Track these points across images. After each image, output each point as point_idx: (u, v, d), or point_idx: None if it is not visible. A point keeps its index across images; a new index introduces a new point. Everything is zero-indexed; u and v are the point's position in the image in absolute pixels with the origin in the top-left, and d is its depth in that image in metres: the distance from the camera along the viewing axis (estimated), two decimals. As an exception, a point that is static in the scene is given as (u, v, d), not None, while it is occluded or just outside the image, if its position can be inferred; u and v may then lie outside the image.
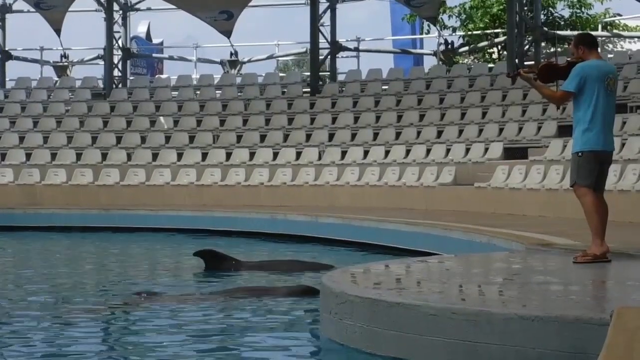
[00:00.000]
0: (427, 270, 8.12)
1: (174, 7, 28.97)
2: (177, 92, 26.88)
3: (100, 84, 28.20)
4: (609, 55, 25.56)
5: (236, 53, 29.84)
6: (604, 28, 31.10)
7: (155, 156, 23.14)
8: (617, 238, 9.31)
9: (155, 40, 39.28)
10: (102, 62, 28.83)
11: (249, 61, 30.84)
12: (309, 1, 27.58)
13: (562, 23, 32.20)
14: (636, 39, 30.52)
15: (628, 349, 3.97)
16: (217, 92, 26.86)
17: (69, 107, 26.20)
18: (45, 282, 11.62)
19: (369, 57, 39.20)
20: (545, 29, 27.33)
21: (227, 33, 28.58)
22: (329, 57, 28.37)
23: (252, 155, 22.80)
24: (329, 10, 27.76)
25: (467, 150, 20.58)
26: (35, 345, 7.27)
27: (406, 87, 25.11)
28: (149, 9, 31.18)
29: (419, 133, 22.26)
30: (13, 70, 32.27)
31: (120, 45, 29.06)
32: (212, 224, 18.55)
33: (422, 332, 5.57)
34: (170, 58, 34.56)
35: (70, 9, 28.01)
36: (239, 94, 26.41)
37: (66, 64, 29.98)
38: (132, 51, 31.09)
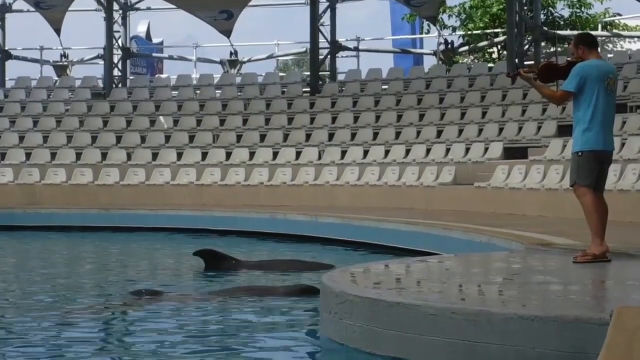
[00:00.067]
0: (426, 270, 8.12)
1: (173, 6, 28.97)
2: (176, 92, 26.88)
3: (100, 84, 28.21)
4: (609, 55, 25.56)
5: (236, 53, 29.84)
6: (604, 28, 31.10)
7: (155, 156, 23.14)
8: (617, 238, 9.31)
9: (155, 40, 39.28)
10: (102, 62, 28.83)
11: (249, 61, 30.84)
12: (308, 1, 27.58)
13: (562, 23, 32.20)
14: (636, 39, 30.52)
15: (628, 349, 3.97)
16: (217, 91, 26.86)
17: (69, 107, 26.20)
18: (45, 281, 11.62)
19: (368, 56, 39.27)
20: (545, 28, 27.33)
21: (227, 33, 28.58)
22: (328, 56, 28.37)
23: (251, 154, 22.80)
24: (328, 10, 27.76)
25: (467, 150, 20.58)
26: (35, 345, 7.26)
27: (406, 87, 25.11)
28: (148, 8, 31.18)
29: (418, 133, 22.26)
30: (13, 69, 32.28)
31: (120, 44, 29.06)
32: (211, 223, 18.55)
33: (422, 331, 5.56)
34: (170, 58, 34.54)
35: (70, 9, 28.01)
36: (239, 93, 26.42)
37: (66, 63, 29.97)
38: (132, 51, 31.10)
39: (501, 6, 30.81)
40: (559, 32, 28.26)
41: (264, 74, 27.81)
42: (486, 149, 20.29)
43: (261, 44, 33.22)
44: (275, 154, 22.60)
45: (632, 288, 6.65)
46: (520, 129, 20.89)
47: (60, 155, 23.27)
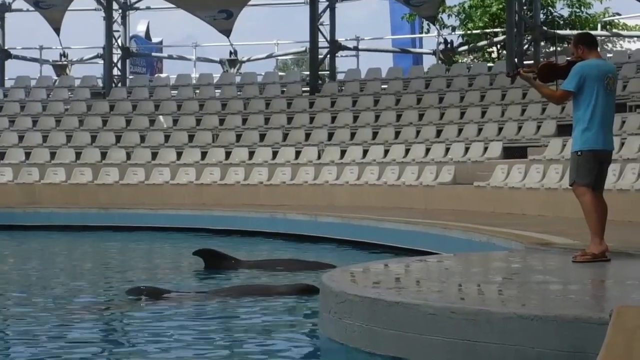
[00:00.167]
0: (426, 270, 8.12)
1: (173, 6, 28.97)
2: (176, 91, 26.88)
3: (100, 83, 28.20)
4: (609, 55, 25.55)
5: (235, 52, 29.84)
6: (603, 27, 31.10)
7: (154, 155, 23.14)
8: (617, 237, 9.31)
9: (154, 40, 39.29)
10: (102, 61, 28.83)
11: (249, 60, 30.84)
12: (308, 0, 27.58)
13: (562, 22, 32.20)
14: (635, 38, 30.52)
15: (627, 348, 3.98)
16: (216, 91, 26.86)
17: (68, 106, 26.19)
18: (44, 281, 11.62)
19: (368, 56, 39.36)
20: (545, 28, 27.33)
21: (227, 32, 28.58)
22: (328, 56, 28.36)
23: (251, 154, 22.80)
24: (328, 10, 27.76)
25: (467, 149, 20.58)
26: (34, 345, 7.27)
27: (405, 87, 25.11)
28: (148, 8, 31.18)
29: (418, 132, 22.27)
30: (12, 69, 32.24)
31: (120, 44, 29.05)
32: (211, 223, 18.55)
33: (422, 331, 5.57)
34: (170, 57, 34.54)
35: (69, 8, 28.00)
36: (239, 93, 26.42)
37: (65, 63, 29.97)
38: (132, 50, 31.10)
39: (501, 6, 30.81)
40: (558, 31, 28.26)
41: (263, 74, 27.82)
42: (486, 149, 20.29)
43: (261, 44, 33.25)
44: (274, 154, 22.60)
45: (632, 287, 6.66)
46: (519, 128, 20.90)
47: (59, 154, 23.26)
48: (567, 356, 5.03)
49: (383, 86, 25.55)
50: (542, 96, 8.79)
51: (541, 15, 29.05)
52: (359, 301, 6.02)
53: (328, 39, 27.85)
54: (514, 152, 19.85)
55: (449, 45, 28.91)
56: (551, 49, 26.91)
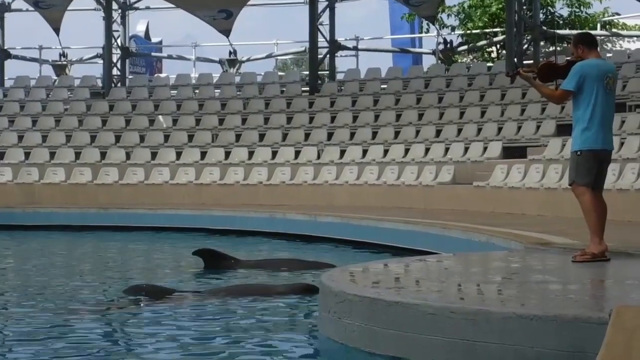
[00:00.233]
0: (425, 269, 8.12)
1: (173, 6, 28.97)
2: (176, 91, 26.88)
3: (99, 83, 28.20)
4: (608, 55, 25.56)
5: (235, 52, 29.84)
6: (603, 27, 31.10)
7: (154, 155, 23.14)
8: (616, 237, 9.31)
9: (154, 39, 39.28)
10: (101, 61, 28.83)
11: (248, 60, 30.84)
12: (308, 0, 27.57)
13: (561, 22, 32.20)
14: (635, 38, 30.53)
15: (627, 348, 3.97)
16: (216, 91, 26.86)
17: (68, 106, 26.19)
18: (44, 281, 11.61)
19: (367, 56, 39.35)
20: (544, 28, 27.33)
21: (226, 32, 28.58)
22: (327, 56, 28.37)
23: (251, 154, 22.80)
24: (327, 9, 27.76)
25: (466, 149, 20.59)
26: (34, 344, 7.26)
27: (405, 86, 25.11)
28: (147, 7, 31.18)
29: (417, 132, 22.27)
30: (12, 69, 32.23)
31: (119, 44, 29.05)
32: (211, 223, 18.55)
33: (421, 331, 5.57)
34: (169, 57, 34.55)
35: (69, 8, 28.01)
36: (238, 93, 26.41)
37: (65, 63, 29.98)
38: (131, 50, 31.09)
39: (500, 5, 30.81)
40: (558, 31, 28.25)
41: (263, 74, 27.83)
42: (485, 149, 20.29)
43: (260, 44, 33.25)
44: (274, 154, 22.60)
45: (631, 287, 6.66)
46: (519, 128, 20.90)
47: (59, 154, 23.26)
48: (567, 356, 5.03)
49: (382, 86, 25.55)
50: (541, 96, 8.79)
51: (541, 15, 29.04)
52: (359, 301, 6.02)
53: (327, 38, 27.85)
54: (514, 152, 19.85)
55: (448, 45, 28.92)
56: (551, 48, 26.91)
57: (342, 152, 22.08)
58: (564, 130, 18.58)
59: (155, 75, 34.57)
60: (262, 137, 23.59)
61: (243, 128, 24.11)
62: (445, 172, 19.45)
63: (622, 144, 16.50)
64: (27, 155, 23.33)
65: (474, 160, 19.91)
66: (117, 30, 28.93)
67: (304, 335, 7.58)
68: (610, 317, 4.81)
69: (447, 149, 20.80)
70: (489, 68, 26.01)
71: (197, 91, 26.92)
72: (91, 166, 22.61)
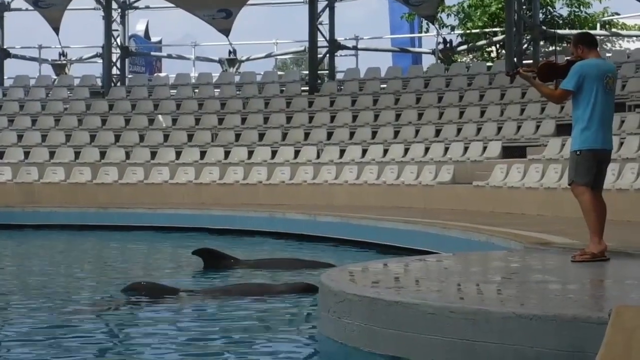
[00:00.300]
0: (425, 269, 8.13)
1: (172, 5, 28.96)
2: (175, 91, 26.88)
3: (99, 83, 28.19)
4: (608, 54, 25.55)
5: (235, 51, 29.83)
6: (602, 27, 31.11)
7: (153, 154, 23.13)
8: (616, 237, 9.31)
9: (153, 39, 39.27)
10: (101, 61, 28.82)
11: (248, 60, 30.84)
12: (307, 0, 27.57)
13: (561, 22, 32.20)
14: (634, 38, 30.53)
15: (626, 348, 3.98)
16: (215, 90, 26.86)
17: (68, 106, 26.19)
18: (43, 280, 11.61)
19: (367, 55, 39.26)
20: (544, 27, 27.33)
21: (226, 31, 28.57)
22: (327, 55, 28.36)
23: (250, 153, 22.80)
24: (327, 9, 27.75)
25: (466, 149, 20.58)
26: (33, 344, 7.26)
27: (405, 86, 25.11)
28: (147, 7, 31.17)
29: (417, 132, 22.26)
30: (11, 68, 32.29)
31: (119, 43, 29.04)
32: (210, 222, 18.55)
33: (421, 330, 5.57)
34: (169, 56, 34.53)
35: (68, 7, 28.01)
36: (238, 92, 26.41)
37: (64, 62, 29.97)
38: (131, 49, 31.09)
39: (500, 5, 30.81)
40: (557, 31, 28.25)
41: (262, 73, 27.83)
42: (485, 148, 20.29)
43: (260, 43, 33.25)
44: (273, 153, 22.60)
45: (631, 287, 6.66)
46: (518, 128, 20.90)
47: (58, 154, 23.25)
48: (566, 356, 5.03)
49: (382, 85, 25.55)
50: (541, 95, 8.79)
51: (540, 15, 29.04)
52: (358, 300, 6.02)
53: (327, 38, 27.85)
54: (513, 151, 19.85)
55: (448, 45, 28.91)
56: (550, 48, 26.90)
57: (342, 152, 22.07)
58: (563, 130, 18.58)
59: (155, 74, 34.57)
60: (261, 136, 23.58)
61: (243, 127, 24.11)
62: (444, 171, 19.45)
63: (621, 143, 16.50)
64: (26, 154, 23.32)
65: (474, 160, 19.91)
66: (117, 30, 28.92)
67: (304, 335, 7.58)
68: (609, 317, 4.81)
69: (446, 149, 20.80)
70: (489, 68, 26.01)
71: (196, 91, 26.92)
72: (91, 166, 22.61)
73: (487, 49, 32.43)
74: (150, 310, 8.87)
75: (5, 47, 29.74)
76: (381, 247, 14.40)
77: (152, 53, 36.57)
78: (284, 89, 26.33)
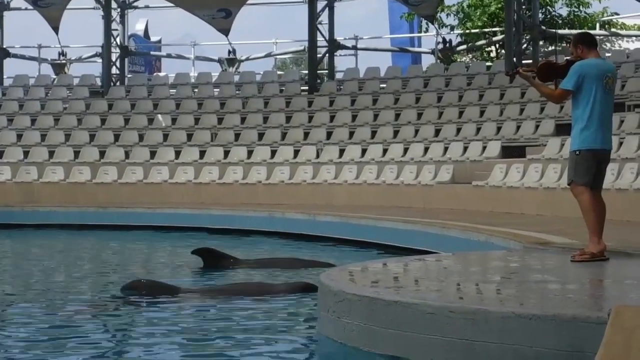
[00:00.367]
0: (424, 269, 8.13)
1: (172, 4, 28.96)
2: (175, 90, 26.87)
3: (98, 82, 28.18)
4: (607, 54, 25.55)
5: (234, 51, 29.82)
6: (602, 27, 31.11)
7: (153, 154, 23.13)
8: (615, 237, 9.31)
9: (153, 38, 39.25)
10: (100, 60, 28.81)
11: (247, 59, 30.83)
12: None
13: (560, 22, 32.19)
14: (634, 38, 30.53)
15: (626, 348, 3.98)
16: (215, 90, 26.85)
17: (67, 105, 26.18)
18: (42, 279, 11.62)
19: (367, 55, 39.35)
20: (543, 27, 27.33)
21: (225, 31, 28.56)
22: (327, 55, 28.36)
23: (250, 153, 22.79)
24: (327, 9, 27.74)
25: (465, 148, 20.59)
26: (32, 343, 7.26)
27: (404, 86, 25.11)
28: (147, 6, 31.16)
29: (416, 131, 22.27)
30: (11, 67, 32.23)
31: (118, 43, 29.04)
32: (210, 222, 18.55)
33: (420, 330, 5.57)
34: (168, 56, 34.52)
35: (68, 7, 28.00)
36: (237, 92, 26.41)
37: (64, 61, 29.95)
38: (130, 49, 31.09)
39: (499, 5, 30.80)
40: (557, 31, 28.24)
41: (262, 73, 27.83)
42: (484, 148, 20.29)
43: (259, 43, 33.29)
44: (273, 153, 22.60)
45: (630, 287, 6.66)
46: (518, 127, 20.90)
47: (58, 153, 23.25)
48: (566, 355, 5.04)
49: (382, 85, 25.55)
50: (541, 95, 8.80)
51: (540, 15, 29.04)
52: (358, 300, 6.02)
53: (327, 38, 27.84)
54: (513, 151, 19.85)
55: (447, 45, 28.91)
56: (550, 48, 26.90)
57: (341, 152, 22.07)
58: (563, 129, 18.58)
59: (155, 74, 34.54)
60: (261, 136, 23.58)
61: (242, 127, 24.11)
62: (444, 171, 19.46)
63: (621, 143, 16.50)
64: (26, 154, 23.32)
65: (473, 159, 19.91)
66: (116, 29, 28.91)
67: (303, 335, 7.58)
68: (609, 316, 4.81)
69: (446, 149, 20.81)
70: (488, 67, 26.00)
71: (196, 90, 26.91)
72: (90, 165, 22.61)
73: (486, 49, 32.43)
74: (150, 309, 8.87)
75: (4, 46, 29.73)
76: (381, 247, 14.40)
77: (152, 52, 36.56)
78: (283, 88, 26.33)
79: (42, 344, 7.24)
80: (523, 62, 23.55)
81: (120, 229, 18.78)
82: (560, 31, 28.56)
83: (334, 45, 28.21)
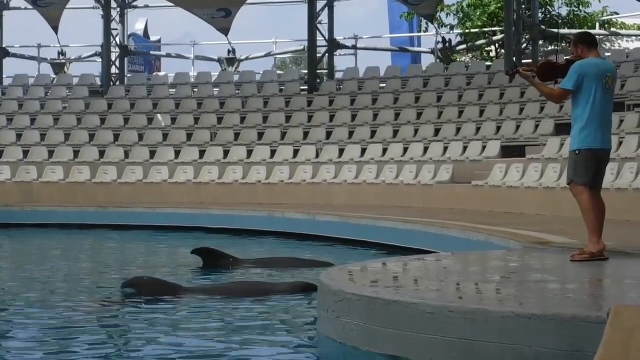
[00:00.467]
0: (424, 269, 8.13)
1: (171, 4, 28.96)
2: (174, 90, 26.87)
3: (98, 82, 28.18)
4: (607, 54, 25.55)
5: (234, 51, 29.82)
6: (602, 26, 31.11)
7: (152, 154, 23.13)
8: (615, 236, 9.31)
9: (153, 38, 39.24)
10: (100, 60, 28.81)
11: (247, 59, 30.83)
12: (306, -1, 27.56)
13: (560, 21, 32.18)
14: (634, 38, 30.54)
15: (625, 348, 3.98)
16: (214, 89, 26.85)
17: (67, 105, 26.18)
18: (42, 279, 11.61)
19: (366, 55, 39.41)
20: (543, 27, 27.33)
21: (225, 31, 28.56)
22: (326, 55, 28.35)
23: (249, 153, 22.79)
24: (326, 8, 27.74)
25: (465, 148, 20.59)
26: (32, 343, 7.26)
27: (404, 85, 25.11)
28: (146, 6, 31.16)
29: (416, 131, 22.27)
30: (10, 67, 32.17)
31: (118, 42, 29.03)
32: (209, 221, 18.55)
33: (420, 330, 5.57)
34: (168, 56, 34.52)
35: (67, 6, 28.00)
36: (237, 91, 26.40)
37: (64, 61, 29.96)
38: (130, 49, 31.09)
39: (499, 5, 30.80)
40: (557, 30, 28.24)
41: (261, 72, 27.83)
42: (484, 148, 20.29)
43: (259, 42, 33.30)
44: (273, 152, 22.60)
45: (630, 287, 6.66)
46: (518, 127, 20.90)
47: (57, 153, 23.25)
48: (565, 355, 5.04)
49: (381, 85, 25.55)
50: (541, 95, 8.80)
51: (540, 15, 29.04)
52: (357, 300, 6.02)
53: (326, 37, 27.84)
54: (512, 151, 19.85)
55: (447, 44, 28.90)
56: (550, 47, 26.90)
57: (341, 151, 22.07)
58: (562, 129, 18.58)
59: (154, 73, 34.53)
60: (260, 136, 23.58)
61: (242, 127, 24.11)
62: (444, 171, 19.46)
63: (620, 143, 16.51)
64: (25, 153, 23.32)
65: (473, 159, 19.91)
66: (116, 29, 28.91)
67: (303, 334, 7.58)
68: (608, 316, 4.81)
69: (445, 148, 20.81)
70: (488, 67, 26.00)
71: (195, 90, 26.91)
72: (90, 165, 22.61)
73: (486, 49, 32.44)
74: (150, 309, 8.87)
75: (4, 46, 29.72)
76: (380, 247, 14.40)
77: (152, 52, 36.55)
78: (283, 88, 26.33)
79: (42, 344, 7.24)
80: (523, 61, 23.54)
81: (120, 228, 18.78)
82: (560, 31, 28.54)
83: (333, 45, 28.20)
